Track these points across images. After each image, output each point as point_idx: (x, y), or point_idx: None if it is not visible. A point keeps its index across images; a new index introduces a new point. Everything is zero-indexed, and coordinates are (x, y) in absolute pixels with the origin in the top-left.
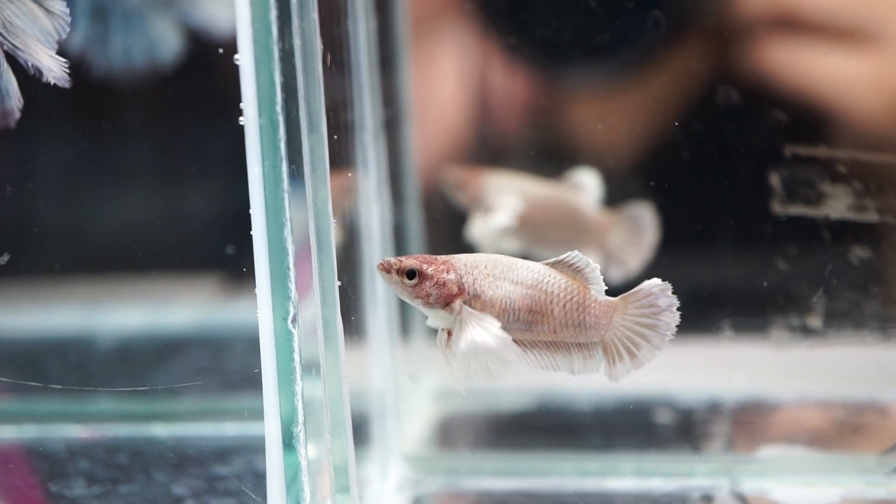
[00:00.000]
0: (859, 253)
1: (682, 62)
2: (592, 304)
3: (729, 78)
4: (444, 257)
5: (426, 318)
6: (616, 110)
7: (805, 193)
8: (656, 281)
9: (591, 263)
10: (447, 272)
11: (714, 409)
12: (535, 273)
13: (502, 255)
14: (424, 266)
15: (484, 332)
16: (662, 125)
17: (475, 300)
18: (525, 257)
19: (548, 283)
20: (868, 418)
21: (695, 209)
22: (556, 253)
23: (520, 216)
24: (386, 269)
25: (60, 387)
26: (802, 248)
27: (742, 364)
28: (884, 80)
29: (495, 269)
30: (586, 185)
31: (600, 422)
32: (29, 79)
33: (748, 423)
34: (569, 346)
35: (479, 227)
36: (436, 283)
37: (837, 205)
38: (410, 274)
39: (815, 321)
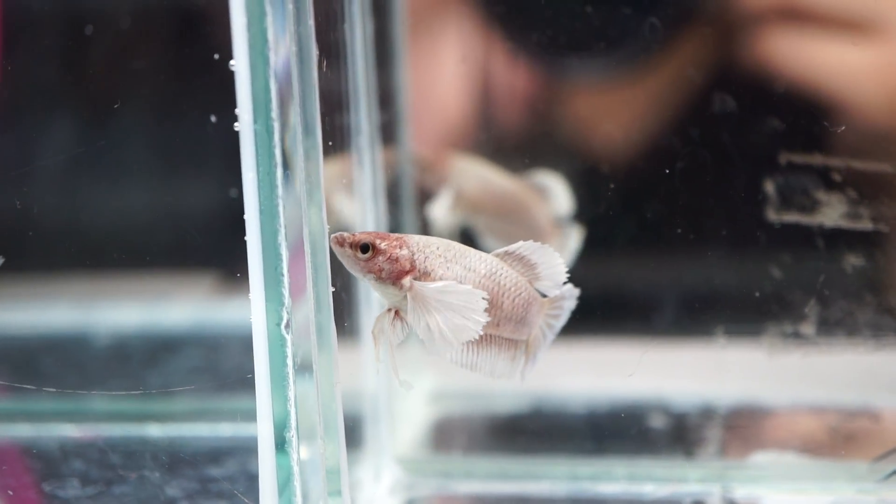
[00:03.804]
0: (853, 261)
1: (685, 56)
2: (534, 302)
3: (732, 71)
4: (397, 234)
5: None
6: (614, 109)
7: (799, 201)
8: (570, 286)
9: (544, 252)
10: (400, 248)
11: (707, 414)
12: (488, 264)
13: (455, 242)
14: (378, 241)
15: (446, 288)
16: (661, 125)
17: (425, 278)
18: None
19: (500, 275)
20: (860, 425)
21: (689, 214)
22: (505, 245)
23: (475, 202)
24: (339, 242)
25: (54, 389)
26: (796, 255)
27: (735, 370)
28: (887, 71)
29: (448, 251)
30: (549, 190)
31: (593, 426)
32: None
33: (741, 428)
34: (499, 343)
35: (436, 209)
36: (388, 257)
37: (832, 213)
38: (364, 248)
39: (808, 328)
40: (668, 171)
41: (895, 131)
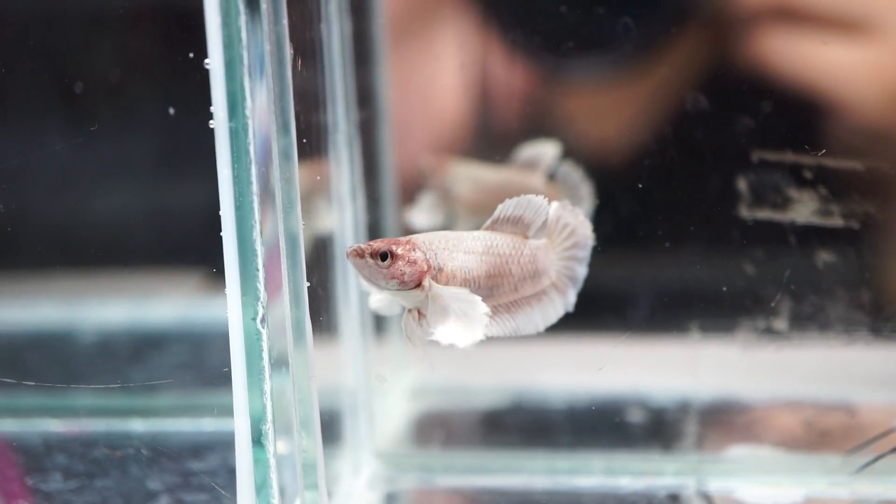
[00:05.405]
0: (824, 257)
1: (680, 54)
2: (538, 252)
3: (727, 69)
4: (405, 238)
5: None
6: (597, 108)
7: (772, 198)
8: (554, 204)
9: (521, 203)
10: (414, 250)
11: (683, 409)
12: (483, 240)
13: (447, 231)
14: (394, 247)
15: (458, 296)
16: (643, 125)
17: (440, 274)
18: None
19: (498, 245)
20: (834, 419)
21: (664, 211)
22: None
23: (475, 204)
24: (359, 254)
25: (34, 383)
26: (769, 251)
27: (709, 365)
28: (881, 71)
29: (447, 242)
30: (538, 159)
31: (572, 421)
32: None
33: (716, 423)
34: (528, 300)
35: (418, 217)
36: (407, 261)
37: (803, 209)
38: (384, 256)
39: (780, 323)
40: (642, 170)
41: (885, 130)
